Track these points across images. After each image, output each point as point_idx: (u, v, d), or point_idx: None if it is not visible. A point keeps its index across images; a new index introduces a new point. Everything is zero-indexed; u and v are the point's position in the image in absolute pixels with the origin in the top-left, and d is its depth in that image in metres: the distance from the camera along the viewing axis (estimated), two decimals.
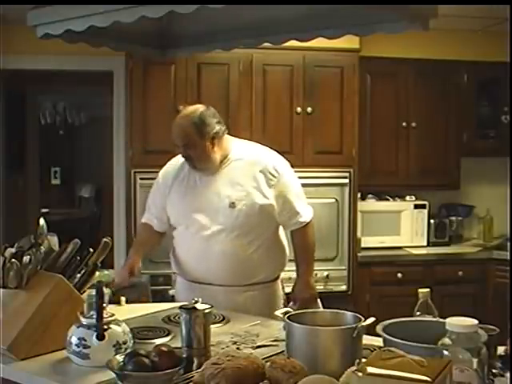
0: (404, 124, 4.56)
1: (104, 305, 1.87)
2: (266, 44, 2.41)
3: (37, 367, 1.84)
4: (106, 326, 1.85)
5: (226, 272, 2.63)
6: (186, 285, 2.76)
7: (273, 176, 2.66)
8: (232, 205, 2.60)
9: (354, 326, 1.72)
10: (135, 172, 3.96)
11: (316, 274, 4.07)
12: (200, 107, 2.66)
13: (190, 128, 2.58)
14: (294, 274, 4.04)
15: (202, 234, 2.64)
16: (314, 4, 2.01)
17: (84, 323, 1.86)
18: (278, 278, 2.82)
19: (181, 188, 2.73)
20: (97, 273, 2.13)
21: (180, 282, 2.84)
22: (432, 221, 4.67)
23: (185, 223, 2.70)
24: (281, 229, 2.79)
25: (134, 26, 1.94)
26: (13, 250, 2.08)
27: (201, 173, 2.68)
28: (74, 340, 1.84)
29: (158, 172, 3.91)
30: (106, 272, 2.66)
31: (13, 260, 2.01)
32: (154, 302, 2.62)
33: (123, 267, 2.77)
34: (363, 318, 1.77)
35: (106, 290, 2.14)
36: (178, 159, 2.78)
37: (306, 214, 2.76)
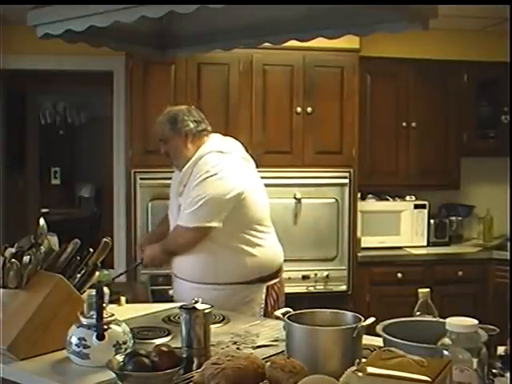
0: (404, 124, 4.56)
1: (104, 305, 1.87)
2: (266, 44, 2.41)
3: (37, 367, 1.84)
4: (106, 326, 1.85)
5: (189, 269, 2.79)
6: (173, 280, 2.93)
7: (199, 177, 2.71)
8: (179, 207, 2.78)
9: (354, 326, 1.72)
10: (135, 172, 3.96)
11: (316, 274, 4.11)
12: (181, 107, 2.87)
13: (164, 124, 2.82)
14: (293, 274, 4.07)
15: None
16: (314, 4, 2.01)
17: (84, 323, 1.86)
18: (254, 282, 2.78)
19: (171, 188, 2.97)
20: (97, 273, 2.12)
21: (173, 279, 2.96)
22: (432, 221, 4.67)
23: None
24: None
25: (133, 26, 1.94)
26: (13, 250, 2.08)
27: (176, 169, 2.87)
28: (74, 340, 1.84)
29: (157, 172, 3.95)
30: (105, 272, 2.67)
31: (13, 260, 2.01)
32: (154, 302, 2.62)
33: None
34: (363, 318, 1.77)
35: (106, 290, 2.14)
36: None
37: (189, 220, 2.72)
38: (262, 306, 2.79)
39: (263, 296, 2.81)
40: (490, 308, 4.35)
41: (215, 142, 2.86)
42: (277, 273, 2.89)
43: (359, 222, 4.34)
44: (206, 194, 2.67)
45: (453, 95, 4.64)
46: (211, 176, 2.69)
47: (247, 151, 3.03)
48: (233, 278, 2.76)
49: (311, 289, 4.11)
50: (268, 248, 2.85)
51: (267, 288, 2.82)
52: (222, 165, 2.74)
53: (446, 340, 1.45)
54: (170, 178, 3.81)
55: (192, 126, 2.78)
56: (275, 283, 2.87)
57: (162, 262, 2.92)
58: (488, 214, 4.85)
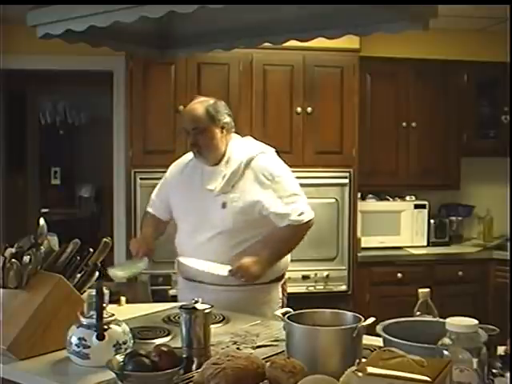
0: (404, 124, 4.57)
1: (104, 305, 1.87)
2: (266, 44, 2.41)
3: (37, 367, 1.84)
4: (106, 326, 1.85)
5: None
6: (185, 283, 2.77)
7: (266, 179, 2.64)
8: (224, 205, 2.62)
9: (354, 326, 1.72)
10: (135, 172, 3.97)
11: (316, 274, 4.11)
12: (214, 100, 2.74)
13: (202, 112, 2.64)
14: (293, 274, 4.07)
15: (196, 233, 2.67)
16: (313, 4, 2.01)
17: (84, 323, 1.86)
18: (275, 281, 2.76)
19: (183, 185, 2.77)
20: (96, 273, 2.12)
21: (180, 281, 2.84)
22: (432, 221, 4.67)
23: (182, 220, 2.76)
24: None
25: (133, 26, 1.94)
26: (13, 250, 2.08)
27: (203, 162, 2.69)
28: (74, 340, 1.84)
29: (157, 172, 3.92)
30: (139, 264, 2.64)
31: (13, 260, 2.01)
32: (154, 301, 2.62)
33: (136, 239, 2.87)
34: (363, 318, 1.77)
35: (106, 290, 2.14)
36: (187, 157, 2.82)
37: (304, 214, 2.67)
38: (280, 304, 2.75)
39: (280, 295, 2.79)
40: (490, 308, 4.36)
41: (254, 142, 2.82)
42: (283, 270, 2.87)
43: (359, 222, 4.34)
44: (295, 187, 2.73)
45: (453, 95, 4.64)
46: (285, 173, 2.74)
47: None
48: (263, 278, 2.67)
49: (311, 289, 4.11)
50: None
51: (282, 286, 2.82)
52: (283, 163, 2.78)
53: (446, 340, 1.45)
54: None
55: (228, 119, 2.69)
56: (285, 281, 2.86)
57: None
58: (488, 214, 4.85)
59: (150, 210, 2.97)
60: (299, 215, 2.65)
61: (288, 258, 2.82)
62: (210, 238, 2.63)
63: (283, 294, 2.82)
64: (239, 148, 2.71)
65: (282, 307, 2.68)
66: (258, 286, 2.68)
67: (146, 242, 2.78)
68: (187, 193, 2.75)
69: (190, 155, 2.81)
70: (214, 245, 2.63)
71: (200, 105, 2.67)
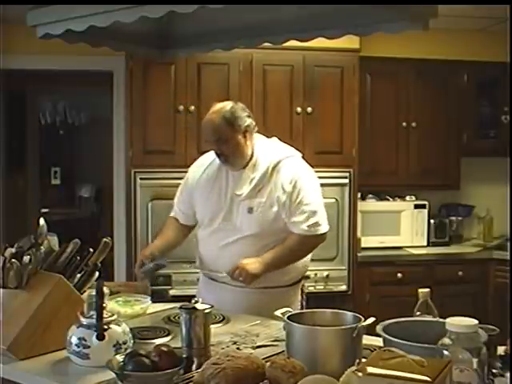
0: (404, 124, 4.56)
1: (104, 305, 1.87)
2: (266, 44, 2.41)
3: (37, 367, 1.85)
4: (106, 326, 1.85)
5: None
6: (207, 283, 2.75)
7: (291, 185, 2.60)
8: (250, 210, 2.60)
9: (354, 326, 1.73)
10: (135, 172, 3.96)
11: (316, 274, 4.10)
12: (230, 102, 2.65)
13: (221, 122, 2.56)
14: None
15: (220, 236, 2.65)
16: (313, 4, 2.01)
17: (84, 323, 1.86)
18: (296, 283, 2.76)
19: (207, 187, 2.72)
20: (97, 273, 2.12)
21: (202, 280, 2.82)
22: (432, 221, 4.67)
23: (206, 222, 2.71)
24: None
25: (134, 26, 1.94)
26: (13, 250, 2.08)
27: (230, 169, 2.66)
28: (74, 340, 1.84)
29: (157, 172, 3.94)
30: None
31: (13, 260, 2.01)
32: (154, 302, 2.62)
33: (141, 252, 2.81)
34: (363, 318, 1.77)
35: (106, 290, 2.14)
36: (209, 156, 2.75)
37: (321, 226, 2.67)
38: (299, 307, 2.74)
39: (299, 297, 2.79)
40: (490, 308, 4.36)
41: (281, 144, 2.79)
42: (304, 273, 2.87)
43: (359, 222, 4.34)
44: (315, 198, 2.68)
45: (453, 95, 4.64)
46: (312, 182, 2.69)
47: None
48: (283, 281, 2.69)
49: (311, 289, 4.10)
50: None
51: (301, 289, 2.82)
52: (310, 170, 2.74)
53: (446, 340, 1.45)
54: (169, 178, 3.83)
55: (249, 121, 2.61)
56: (304, 284, 2.86)
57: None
58: (488, 214, 4.85)
59: (172, 214, 2.91)
60: (313, 226, 2.64)
61: (308, 258, 2.80)
62: (234, 242, 2.62)
63: (301, 296, 2.81)
64: (266, 151, 2.66)
65: (302, 309, 2.71)
66: (279, 288, 2.66)
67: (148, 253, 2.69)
68: (213, 196, 2.70)
69: (210, 156, 2.74)
70: (237, 249, 2.61)
71: (217, 114, 2.59)
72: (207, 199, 2.71)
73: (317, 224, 2.65)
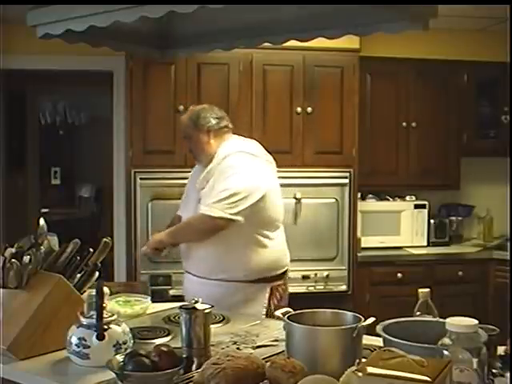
0: (404, 124, 4.57)
1: (104, 305, 1.87)
2: (266, 44, 2.41)
3: (37, 367, 1.84)
4: (106, 326, 1.85)
5: (197, 263, 2.84)
6: (185, 276, 2.96)
7: (226, 175, 2.75)
8: (199, 201, 2.81)
9: (354, 326, 1.72)
10: (135, 172, 3.97)
11: (316, 274, 4.11)
12: (203, 105, 2.95)
13: (187, 122, 2.91)
14: (293, 274, 4.07)
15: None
16: (313, 4, 2.01)
17: (84, 323, 1.86)
18: (258, 281, 2.80)
19: (188, 185, 3.04)
20: (96, 273, 2.12)
21: (184, 275, 2.99)
22: (432, 221, 4.67)
23: (184, 215, 2.98)
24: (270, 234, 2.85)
25: (134, 26, 1.94)
26: (13, 250, 2.08)
27: (198, 165, 2.94)
28: (74, 340, 1.84)
29: (157, 172, 3.95)
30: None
31: (13, 260, 2.01)
32: (154, 302, 2.62)
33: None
34: (363, 318, 1.77)
35: (106, 290, 2.15)
36: None
37: (214, 209, 2.71)
38: (265, 305, 2.80)
39: (267, 296, 2.82)
40: (490, 308, 4.36)
41: (240, 142, 2.93)
42: (282, 274, 2.91)
43: (359, 222, 4.34)
44: (233, 187, 2.71)
45: (453, 95, 4.64)
46: (238, 173, 2.75)
47: (269, 153, 3.08)
48: (239, 276, 2.78)
49: (311, 289, 4.11)
50: (276, 249, 2.88)
51: (271, 288, 2.84)
52: (248, 165, 2.81)
53: (446, 340, 1.45)
54: (169, 178, 3.84)
55: (213, 122, 2.85)
56: (280, 284, 2.88)
57: (166, 246, 2.90)
58: (488, 214, 4.85)
59: (178, 212, 3.12)
60: (209, 206, 2.71)
61: (280, 258, 2.88)
62: None
63: (274, 296, 2.84)
64: (225, 148, 2.84)
65: (268, 309, 2.78)
66: (235, 282, 2.77)
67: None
68: (187, 192, 3.02)
69: None
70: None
71: (186, 115, 2.95)
72: (185, 194, 3.04)
73: (214, 207, 2.71)
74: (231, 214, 2.69)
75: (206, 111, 2.88)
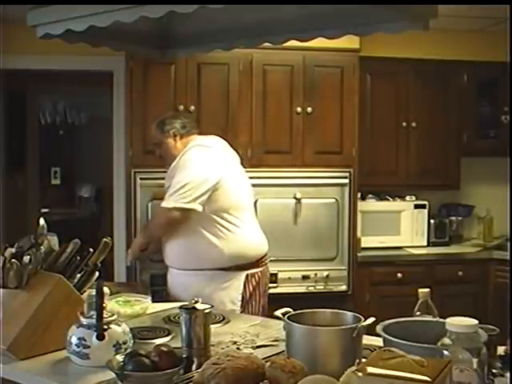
0: (404, 124, 4.56)
1: (104, 305, 1.87)
2: (266, 44, 2.41)
3: (37, 367, 1.85)
4: (106, 326, 1.85)
5: (173, 256, 3.03)
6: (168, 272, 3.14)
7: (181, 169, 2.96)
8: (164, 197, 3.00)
9: (354, 325, 1.72)
10: (135, 172, 3.96)
11: (316, 274, 4.11)
12: (170, 114, 3.21)
13: (155, 129, 3.15)
14: (293, 275, 4.07)
15: None
16: (313, 4, 2.00)
17: (84, 323, 1.86)
18: (236, 268, 2.94)
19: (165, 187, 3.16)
20: (96, 273, 2.13)
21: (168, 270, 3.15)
22: (432, 221, 4.67)
23: None
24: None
25: (133, 26, 1.94)
26: (13, 249, 2.08)
27: (167, 168, 3.09)
28: (74, 340, 1.84)
29: (157, 172, 3.93)
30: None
31: (13, 260, 2.01)
32: (154, 301, 2.62)
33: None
34: (363, 318, 1.77)
35: (106, 290, 2.14)
36: None
37: (172, 200, 2.91)
38: (240, 292, 2.93)
39: (242, 283, 2.95)
40: (489, 308, 4.35)
41: (199, 138, 3.11)
42: (257, 262, 3.02)
43: (359, 222, 4.34)
44: (186, 178, 2.90)
45: (453, 95, 4.64)
46: (190, 165, 2.94)
47: (233, 148, 3.27)
48: (210, 263, 2.94)
49: (311, 289, 4.11)
50: (245, 236, 3.01)
51: (246, 276, 2.97)
52: (202, 155, 2.99)
53: (446, 340, 1.45)
54: None
55: (178, 126, 3.06)
56: (256, 272, 3.00)
57: (145, 246, 3.15)
58: (488, 214, 4.85)
59: None
60: (166, 200, 2.95)
61: (253, 245, 3.02)
62: None
63: (251, 283, 2.97)
64: (187, 147, 3.03)
65: (245, 296, 2.93)
66: (214, 271, 2.92)
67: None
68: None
69: None
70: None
71: (154, 124, 3.18)
72: None
73: (169, 200, 2.93)
74: (185, 203, 2.88)
75: (171, 118, 3.13)
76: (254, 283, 2.99)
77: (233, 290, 2.94)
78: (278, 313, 1.85)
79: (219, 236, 2.95)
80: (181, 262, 3.01)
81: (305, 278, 4.09)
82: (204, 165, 2.95)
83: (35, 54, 4.03)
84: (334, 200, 4.15)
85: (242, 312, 2.89)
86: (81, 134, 8.20)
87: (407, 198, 4.67)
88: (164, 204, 2.94)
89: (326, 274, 4.13)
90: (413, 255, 4.47)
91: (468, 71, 4.64)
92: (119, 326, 1.90)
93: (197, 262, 2.95)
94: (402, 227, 4.57)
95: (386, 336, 1.67)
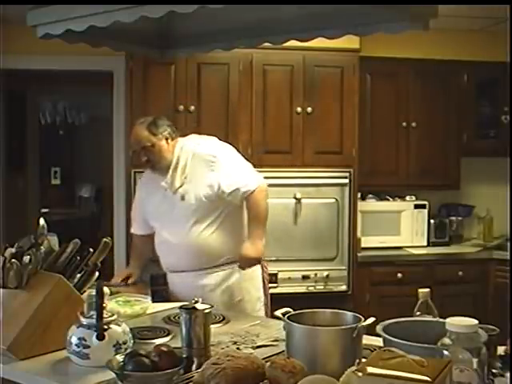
0: (404, 124, 4.57)
1: (104, 305, 1.87)
2: (266, 44, 2.41)
3: (37, 367, 1.85)
4: (106, 326, 1.85)
5: (190, 260, 2.89)
6: (169, 276, 2.99)
7: (211, 162, 2.86)
8: (182, 198, 2.87)
9: (354, 325, 1.73)
10: (135, 172, 3.96)
11: (316, 274, 4.11)
12: (152, 116, 2.99)
13: (145, 132, 2.91)
14: (293, 275, 4.07)
15: (165, 230, 2.95)
16: (313, 4, 2.00)
17: (84, 323, 1.86)
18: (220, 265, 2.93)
19: (150, 193, 3.05)
20: (96, 273, 2.13)
21: (168, 274, 3.02)
22: (432, 221, 4.67)
23: (154, 223, 3.03)
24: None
25: (133, 26, 1.94)
26: (13, 249, 2.08)
27: (158, 174, 2.94)
28: (74, 340, 1.84)
29: None
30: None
31: (13, 260, 2.01)
32: (154, 301, 2.62)
33: (121, 272, 3.20)
34: (363, 318, 1.77)
35: (106, 290, 2.14)
36: (146, 172, 3.09)
37: (246, 184, 2.88)
38: (260, 279, 2.99)
39: (260, 271, 3.01)
40: (489, 308, 4.35)
41: (197, 135, 3.08)
42: None
43: (359, 222, 4.34)
44: (238, 162, 2.94)
45: (453, 95, 4.64)
46: (225, 152, 2.95)
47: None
48: (204, 263, 2.91)
49: (311, 289, 4.11)
50: None
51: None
52: (223, 144, 3.00)
53: (446, 340, 1.45)
54: None
55: (169, 129, 2.95)
56: (262, 263, 3.04)
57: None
58: (488, 214, 4.85)
59: (132, 230, 3.27)
60: (246, 186, 2.88)
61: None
62: (182, 230, 2.88)
63: (263, 271, 3.02)
64: (184, 146, 2.94)
65: (265, 283, 3.00)
66: (229, 265, 2.91)
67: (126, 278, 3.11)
68: (155, 199, 3.00)
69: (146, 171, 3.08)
70: (187, 233, 2.87)
71: (141, 125, 2.93)
72: (150, 203, 3.05)
73: (246, 183, 2.90)
74: (261, 176, 2.96)
75: (159, 120, 2.96)
76: (265, 274, 3.04)
77: (255, 278, 2.98)
78: (278, 313, 1.85)
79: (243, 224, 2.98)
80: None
81: (305, 277, 4.09)
82: (238, 155, 3.00)
83: (35, 54, 4.03)
84: (333, 200, 4.15)
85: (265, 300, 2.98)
86: (81, 134, 8.20)
87: (407, 197, 4.67)
88: (252, 188, 2.88)
89: (325, 273, 4.13)
90: (413, 255, 4.47)
91: (468, 71, 4.64)
92: (119, 325, 1.90)
93: (214, 259, 2.91)
94: (402, 227, 4.57)
95: (386, 336, 1.67)
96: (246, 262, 2.89)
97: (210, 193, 2.84)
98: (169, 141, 2.92)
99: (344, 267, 4.18)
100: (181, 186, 2.88)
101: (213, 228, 2.87)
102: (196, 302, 1.91)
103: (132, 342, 1.91)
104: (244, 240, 2.91)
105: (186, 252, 2.88)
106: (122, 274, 3.12)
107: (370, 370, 1.29)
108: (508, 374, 1.60)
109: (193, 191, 2.86)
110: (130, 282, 3.06)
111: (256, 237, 2.89)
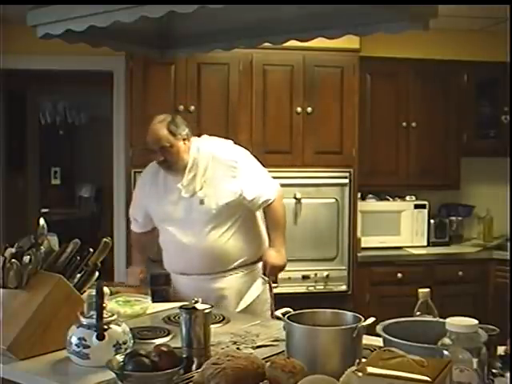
0: (404, 124, 4.57)
1: (104, 305, 1.87)
2: (266, 44, 2.41)
3: (37, 367, 1.85)
4: (106, 326, 1.85)
5: (205, 263, 2.84)
6: (175, 278, 2.94)
7: (233, 167, 2.84)
8: (201, 202, 2.82)
9: (354, 325, 1.73)
10: (135, 172, 3.96)
11: (316, 274, 4.11)
12: (169, 115, 2.92)
13: (165, 132, 2.83)
14: (293, 275, 4.07)
15: (179, 232, 2.86)
16: (313, 4, 2.00)
17: (84, 323, 1.86)
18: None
19: (159, 193, 2.94)
20: (96, 273, 2.13)
21: (173, 276, 2.97)
22: (432, 221, 4.67)
23: (164, 223, 2.94)
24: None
25: (133, 26, 1.94)
26: (13, 249, 2.08)
27: (173, 175, 2.88)
28: (74, 340, 1.84)
29: None
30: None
31: (13, 260, 2.01)
32: (154, 301, 2.62)
33: (133, 269, 3.13)
34: (363, 318, 1.77)
35: (106, 290, 2.14)
36: (154, 165, 2.97)
37: (267, 193, 2.90)
38: (262, 281, 2.97)
39: (260, 273, 2.99)
40: (489, 308, 4.36)
41: (212, 137, 3.03)
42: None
43: (359, 222, 4.34)
44: (258, 168, 2.94)
45: (453, 95, 4.64)
46: (246, 158, 2.93)
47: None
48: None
49: (311, 289, 4.11)
50: None
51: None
52: (242, 149, 2.98)
53: (446, 340, 1.45)
54: None
55: (187, 130, 2.90)
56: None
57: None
58: (488, 214, 4.85)
59: (132, 228, 3.23)
60: (266, 195, 2.89)
61: (262, 241, 2.99)
62: (199, 233, 2.82)
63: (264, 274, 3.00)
64: (201, 148, 2.90)
65: (270, 285, 2.98)
66: (241, 268, 2.89)
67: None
68: (167, 199, 2.91)
69: (152, 167, 2.99)
70: (205, 237, 2.82)
71: (161, 125, 2.84)
72: (160, 202, 2.95)
73: (265, 189, 2.92)
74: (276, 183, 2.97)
75: (178, 120, 2.90)
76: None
77: (258, 282, 2.97)
78: (278, 313, 1.85)
79: (258, 230, 2.99)
80: (210, 267, 2.86)
81: (305, 277, 4.09)
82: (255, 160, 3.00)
83: (35, 54, 4.03)
84: (334, 200, 4.15)
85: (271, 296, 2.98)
86: (81, 134, 8.20)
87: (407, 197, 4.67)
88: (271, 195, 2.90)
89: (325, 274, 4.13)
90: (413, 255, 4.47)
91: (468, 71, 4.64)
92: (119, 325, 1.90)
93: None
94: (402, 227, 4.57)
95: (386, 336, 1.67)
96: (274, 271, 2.93)
97: (232, 199, 2.81)
98: (186, 141, 2.87)
99: (344, 267, 4.18)
100: (200, 189, 2.84)
101: (230, 233, 2.84)
102: (196, 301, 1.91)
103: (132, 341, 1.91)
104: (258, 244, 2.93)
105: (201, 255, 2.82)
106: (135, 273, 3.05)
107: (370, 369, 1.29)
108: (508, 374, 1.60)
109: (213, 196, 2.81)
110: (141, 276, 3.01)
111: (279, 244, 2.94)
